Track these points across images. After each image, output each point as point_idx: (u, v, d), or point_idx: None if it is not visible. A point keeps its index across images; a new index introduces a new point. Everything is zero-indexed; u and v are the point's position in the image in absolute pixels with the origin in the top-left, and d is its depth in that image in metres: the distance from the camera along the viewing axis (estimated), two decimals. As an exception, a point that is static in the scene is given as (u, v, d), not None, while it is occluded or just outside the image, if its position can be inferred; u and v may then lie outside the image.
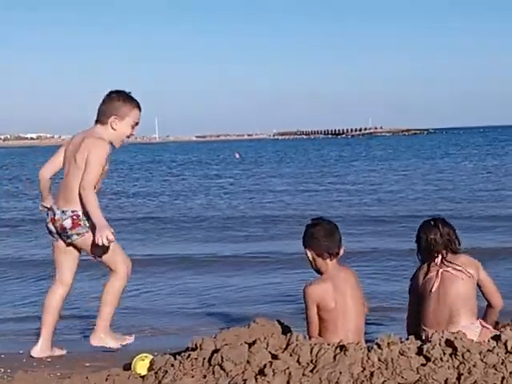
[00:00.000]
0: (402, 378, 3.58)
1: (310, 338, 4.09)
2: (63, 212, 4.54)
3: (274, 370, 3.67)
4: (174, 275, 8.68)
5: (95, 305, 4.96)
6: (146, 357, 4.14)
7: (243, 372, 3.74)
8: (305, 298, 4.25)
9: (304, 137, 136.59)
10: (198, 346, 4.03)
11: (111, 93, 4.70)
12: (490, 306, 4.51)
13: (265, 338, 3.94)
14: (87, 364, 4.76)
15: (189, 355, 3.95)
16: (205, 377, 3.80)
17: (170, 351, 4.44)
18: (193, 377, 3.80)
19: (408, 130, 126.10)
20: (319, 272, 4.38)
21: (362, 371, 3.64)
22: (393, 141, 77.45)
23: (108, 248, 4.50)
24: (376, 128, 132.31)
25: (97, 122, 4.68)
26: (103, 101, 4.68)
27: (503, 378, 3.54)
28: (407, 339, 3.81)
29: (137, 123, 4.72)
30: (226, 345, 3.94)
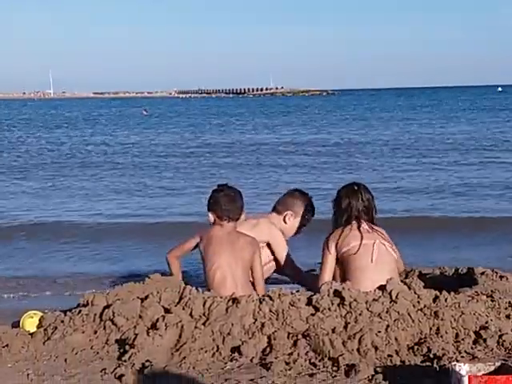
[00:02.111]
0: (292, 327, 3.67)
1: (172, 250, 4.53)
2: None
3: (166, 324, 3.67)
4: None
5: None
6: (34, 314, 4.04)
7: (135, 326, 3.72)
8: None
9: (205, 95, 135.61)
10: (90, 302, 3.98)
11: (297, 190, 5.03)
12: None
13: (158, 293, 3.93)
14: (-27, 323, 4.58)
15: (79, 311, 3.89)
16: (96, 332, 3.76)
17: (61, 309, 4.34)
18: (83, 332, 3.75)
19: (307, 91, 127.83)
20: None
21: (254, 322, 3.70)
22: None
23: None
24: (277, 88, 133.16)
25: (274, 209, 4.96)
26: (285, 194, 5.01)
27: (388, 325, 3.69)
28: (298, 291, 3.90)
29: (305, 225, 4.95)
30: (118, 300, 3.90)
